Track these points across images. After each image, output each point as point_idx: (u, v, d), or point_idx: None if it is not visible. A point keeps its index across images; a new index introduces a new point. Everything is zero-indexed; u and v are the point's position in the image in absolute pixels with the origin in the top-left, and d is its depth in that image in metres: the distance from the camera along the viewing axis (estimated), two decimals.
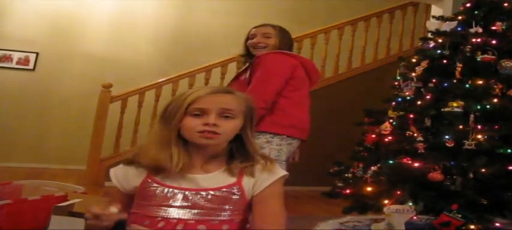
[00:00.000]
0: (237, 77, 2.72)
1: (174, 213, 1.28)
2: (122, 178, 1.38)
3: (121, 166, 1.40)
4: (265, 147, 2.39)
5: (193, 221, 1.27)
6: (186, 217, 1.27)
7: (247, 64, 2.68)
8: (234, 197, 1.32)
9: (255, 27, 2.69)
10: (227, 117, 1.34)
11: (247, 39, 2.69)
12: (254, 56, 2.59)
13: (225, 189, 1.32)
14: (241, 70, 2.75)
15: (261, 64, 2.47)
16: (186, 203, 1.29)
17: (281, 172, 1.40)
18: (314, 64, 2.75)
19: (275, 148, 2.41)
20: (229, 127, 1.35)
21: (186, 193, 1.30)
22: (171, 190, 1.30)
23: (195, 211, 1.28)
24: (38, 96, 6.18)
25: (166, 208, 1.29)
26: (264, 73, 2.44)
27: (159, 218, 1.27)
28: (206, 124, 1.31)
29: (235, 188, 1.32)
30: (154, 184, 1.32)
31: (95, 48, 6.39)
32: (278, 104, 2.45)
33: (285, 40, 2.65)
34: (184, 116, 1.34)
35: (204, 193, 1.30)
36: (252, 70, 2.52)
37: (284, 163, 2.44)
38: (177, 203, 1.29)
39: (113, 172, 1.40)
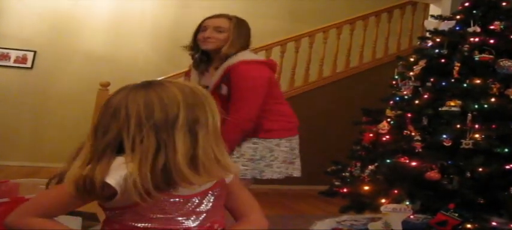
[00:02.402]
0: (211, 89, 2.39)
1: (191, 223, 1.19)
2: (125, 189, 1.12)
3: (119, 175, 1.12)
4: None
5: (208, 224, 1.22)
6: (203, 223, 1.21)
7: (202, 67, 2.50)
8: (224, 191, 1.29)
9: (208, 18, 2.43)
10: None
11: (198, 31, 2.44)
12: (208, 55, 2.44)
13: (219, 186, 1.26)
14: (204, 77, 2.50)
15: (244, 79, 2.28)
16: (198, 209, 1.21)
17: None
18: (273, 61, 2.67)
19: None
20: None
21: (195, 199, 1.20)
22: (179, 199, 1.17)
23: (207, 215, 1.22)
24: (36, 95, 6.16)
25: (184, 218, 1.19)
26: (248, 90, 2.28)
27: None
28: None
29: (222, 182, 1.28)
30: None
31: (92, 47, 6.38)
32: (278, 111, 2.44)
33: (242, 35, 2.38)
34: None
35: (209, 195, 1.23)
36: (229, 84, 2.30)
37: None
38: (192, 210, 1.20)
39: (115, 181, 1.10)
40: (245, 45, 2.38)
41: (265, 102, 2.33)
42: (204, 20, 2.42)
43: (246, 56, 2.35)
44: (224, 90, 2.32)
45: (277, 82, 2.57)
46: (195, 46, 2.47)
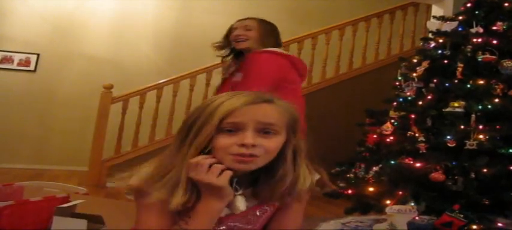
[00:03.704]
0: (228, 78, 2.62)
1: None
2: None
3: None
4: None
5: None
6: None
7: (230, 62, 2.66)
8: (267, 212, 1.21)
9: (237, 21, 2.64)
10: (267, 132, 1.09)
11: (229, 34, 2.63)
12: (239, 52, 2.58)
13: (259, 210, 1.19)
14: (231, 69, 2.63)
15: (253, 65, 2.41)
16: None
17: (311, 180, 1.24)
18: (302, 61, 2.74)
19: None
20: (271, 147, 1.10)
21: (229, 224, 1.16)
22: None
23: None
24: (39, 98, 6.18)
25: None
26: (254, 75, 2.38)
27: None
28: (243, 145, 1.06)
29: (268, 207, 1.21)
30: None
31: (95, 50, 6.40)
32: None
33: (268, 32, 2.57)
34: (215, 133, 1.07)
35: (242, 219, 1.17)
36: (245, 69, 2.45)
37: None
38: None
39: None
40: (274, 44, 2.55)
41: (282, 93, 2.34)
42: (233, 23, 2.62)
43: (267, 49, 2.49)
44: (238, 76, 2.50)
45: (299, 80, 2.64)
46: (227, 47, 2.64)
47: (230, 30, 2.61)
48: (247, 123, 1.06)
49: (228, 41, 2.62)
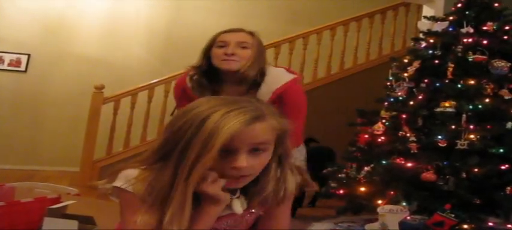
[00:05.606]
0: None
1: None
2: None
3: None
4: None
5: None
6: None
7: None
8: (252, 214, 1.24)
9: (225, 32, 2.02)
10: (257, 150, 1.09)
11: (210, 46, 2.01)
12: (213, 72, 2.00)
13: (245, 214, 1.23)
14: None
15: (296, 100, 2.01)
16: None
17: (294, 182, 1.23)
18: None
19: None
20: (260, 166, 1.12)
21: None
22: None
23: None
24: (30, 98, 6.14)
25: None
26: (299, 111, 2.01)
27: None
28: (234, 168, 1.07)
29: (253, 209, 1.23)
30: None
31: (86, 49, 6.36)
32: None
33: (264, 53, 2.05)
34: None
35: (228, 221, 1.20)
36: (285, 105, 1.93)
37: None
38: None
39: None
40: (264, 65, 2.03)
41: None
42: (220, 34, 2.02)
43: (285, 74, 2.06)
44: None
45: None
46: (204, 64, 2.02)
47: (213, 42, 2.01)
48: (241, 148, 1.06)
49: (208, 56, 2.01)
